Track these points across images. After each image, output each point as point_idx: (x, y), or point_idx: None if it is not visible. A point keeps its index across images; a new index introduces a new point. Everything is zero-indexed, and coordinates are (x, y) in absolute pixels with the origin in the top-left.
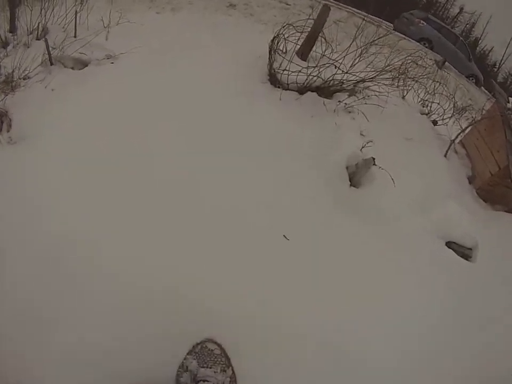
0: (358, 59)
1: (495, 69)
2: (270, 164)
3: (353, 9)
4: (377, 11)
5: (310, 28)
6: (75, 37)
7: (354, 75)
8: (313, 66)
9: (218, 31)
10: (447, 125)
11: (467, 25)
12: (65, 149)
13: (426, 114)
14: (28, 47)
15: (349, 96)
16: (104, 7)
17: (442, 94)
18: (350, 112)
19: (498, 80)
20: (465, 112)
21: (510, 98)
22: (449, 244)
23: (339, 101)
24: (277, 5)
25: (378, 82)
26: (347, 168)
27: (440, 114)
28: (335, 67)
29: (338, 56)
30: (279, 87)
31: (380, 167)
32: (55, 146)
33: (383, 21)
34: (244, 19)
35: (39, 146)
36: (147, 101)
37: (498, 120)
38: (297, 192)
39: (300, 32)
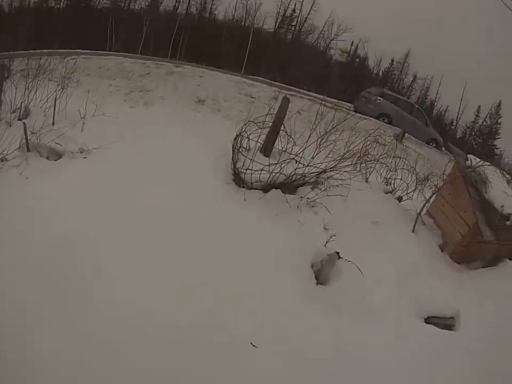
0: (318, 150)
1: (453, 126)
2: (234, 265)
3: (314, 94)
4: (339, 93)
5: (271, 123)
6: (53, 124)
7: (315, 167)
8: (274, 164)
9: (188, 127)
10: (412, 198)
11: (422, 91)
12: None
13: (391, 192)
14: (10, 126)
15: (312, 189)
16: (82, 96)
17: (403, 168)
18: (313, 206)
19: (457, 136)
20: (427, 182)
21: (468, 155)
22: (428, 320)
23: (301, 197)
24: (243, 99)
25: (339, 171)
26: (312, 266)
27: (404, 189)
28: (296, 162)
29: (298, 150)
30: (243, 187)
31: (346, 260)
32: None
33: (343, 102)
34: (212, 114)
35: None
36: (116, 200)
37: (460, 182)
38: (262, 295)
39: (261, 128)
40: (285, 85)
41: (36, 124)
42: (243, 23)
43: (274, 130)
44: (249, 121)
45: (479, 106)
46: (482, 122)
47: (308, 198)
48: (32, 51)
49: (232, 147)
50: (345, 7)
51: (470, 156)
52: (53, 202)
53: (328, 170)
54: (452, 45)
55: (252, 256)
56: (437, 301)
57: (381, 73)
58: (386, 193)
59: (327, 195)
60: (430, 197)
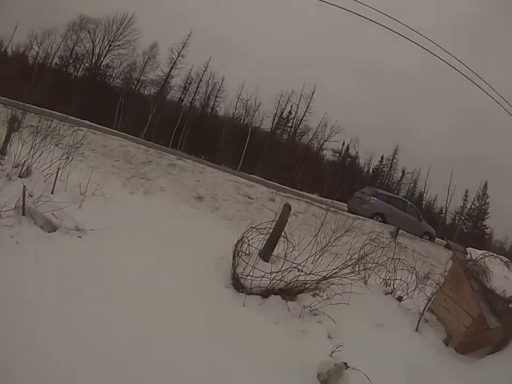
0: (319, 256)
1: (442, 214)
2: (234, 377)
3: (311, 196)
4: (331, 191)
5: (272, 229)
6: (52, 193)
7: (316, 274)
8: (275, 272)
9: (187, 225)
10: (412, 297)
11: (411, 184)
12: None
13: (391, 293)
14: (9, 180)
15: (313, 295)
16: (85, 170)
17: (403, 269)
18: (315, 314)
19: (447, 223)
20: (428, 280)
21: (467, 249)
22: None
23: (303, 306)
24: (241, 199)
25: (340, 277)
26: (318, 376)
27: (404, 289)
28: (298, 270)
29: (298, 255)
30: (242, 292)
31: (353, 368)
32: None
33: (337, 202)
34: (210, 213)
35: None
36: (106, 294)
37: (462, 276)
38: None
39: (263, 234)
40: (281, 185)
41: (36, 188)
42: (242, 121)
43: (275, 237)
44: (251, 227)
45: (467, 190)
46: (471, 206)
47: (310, 307)
48: (47, 110)
49: (233, 252)
50: (338, 109)
51: (469, 249)
52: (40, 276)
53: (329, 277)
54: (437, 137)
55: (252, 368)
56: None
57: (371, 170)
58: (386, 294)
59: (330, 304)
60: (433, 295)
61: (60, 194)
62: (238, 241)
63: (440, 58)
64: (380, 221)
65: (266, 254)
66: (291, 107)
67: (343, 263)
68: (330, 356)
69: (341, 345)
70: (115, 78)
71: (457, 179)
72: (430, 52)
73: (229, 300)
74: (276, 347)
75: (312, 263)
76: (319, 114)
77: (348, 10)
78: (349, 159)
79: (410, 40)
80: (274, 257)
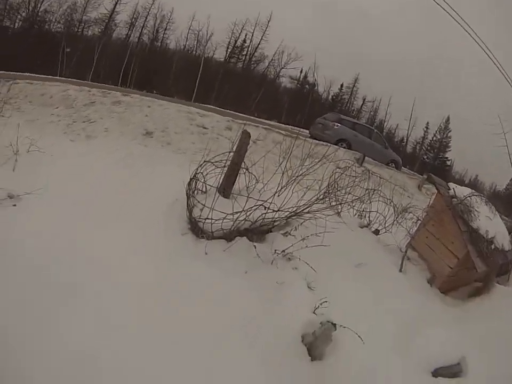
0: (285, 189)
1: (403, 143)
2: (198, 344)
3: (269, 122)
4: (289, 118)
5: (230, 161)
6: None
7: (286, 211)
8: (239, 212)
9: (134, 165)
10: (391, 231)
11: (371, 112)
12: None
13: (367, 226)
14: None
15: (285, 234)
16: (21, 125)
17: (379, 200)
18: (289, 259)
19: (408, 151)
20: (407, 213)
21: (449, 184)
22: (436, 372)
23: (275, 250)
24: (195, 130)
25: (312, 212)
26: (302, 339)
27: (381, 222)
28: (264, 208)
29: (262, 189)
30: (203, 237)
31: (342, 326)
32: None
33: (297, 128)
34: (161, 149)
35: None
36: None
37: (446, 213)
38: None
39: (219, 167)
40: (238, 113)
41: None
42: (194, 52)
43: (234, 169)
44: (205, 161)
45: (427, 122)
46: (433, 138)
47: (283, 251)
48: None
49: (186, 192)
50: (295, 37)
51: (452, 185)
52: None
53: (300, 212)
54: (398, 67)
55: (222, 330)
56: (440, 350)
57: (330, 98)
58: (362, 227)
59: (306, 246)
60: (416, 232)
61: None
62: (191, 178)
63: None
64: (344, 148)
65: (226, 190)
66: (245, 35)
67: (314, 196)
68: (314, 312)
69: (325, 300)
70: (55, 23)
71: (418, 112)
72: None
73: (188, 250)
74: (249, 304)
75: (278, 196)
76: (275, 43)
77: None
78: (307, 86)
79: None
80: (235, 194)
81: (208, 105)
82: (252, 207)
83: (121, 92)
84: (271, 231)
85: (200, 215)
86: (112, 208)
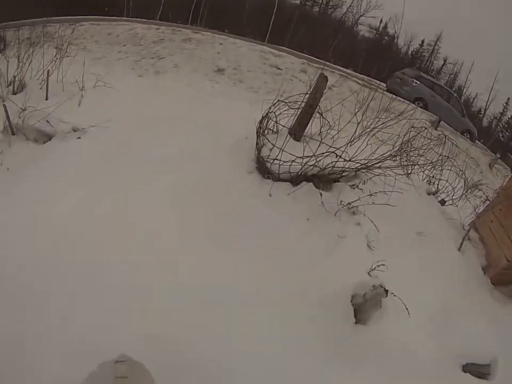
0: (359, 140)
1: (480, 115)
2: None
3: (345, 70)
4: (366, 69)
5: (304, 103)
6: (46, 99)
7: (357, 162)
8: (309, 156)
9: (204, 100)
10: (457, 205)
11: (451, 75)
12: None
13: (434, 194)
14: (3, 101)
15: (352, 187)
16: (88, 64)
17: (450, 169)
18: (354, 213)
19: (483, 125)
20: (476, 190)
21: None
22: (465, 367)
23: (341, 201)
24: (268, 70)
25: (383, 168)
26: (352, 299)
27: (449, 192)
28: (336, 156)
29: (335, 136)
30: (268, 178)
31: (393, 294)
32: None
33: (373, 80)
34: (233, 87)
35: None
36: (115, 194)
37: None
38: (286, 338)
39: (293, 108)
40: (313, 57)
41: (31, 99)
42: None
43: (308, 112)
44: (278, 100)
45: (508, 99)
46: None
47: (349, 204)
48: (38, 19)
49: (257, 130)
50: None
51: None
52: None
53: (371, 166)
54: (485, 33)
55: (274, 275)
56: (474, 345)
57: (410, 53)
58: (429, 194)
59: (373, 202)
60: (482, 213)
61: (57, 96)
62: (263, 117)
63: None
64: (421, 108)
65: (297, 132)
66: None
67: (387, 152)
68: (368, 273)
69: (383, 264)
70: None
71: (500, 85)
72: None
73: (253, 189)
74: (306, 253)
75: (351, 146)
76: None
77: None
78: (386, 37)
79: None
80: (307, 137)
81: (282, 47)
82: (323, 153)
83: (192, 29)
84: (338, 181)
85: (269, 155)
86: (180, 141)
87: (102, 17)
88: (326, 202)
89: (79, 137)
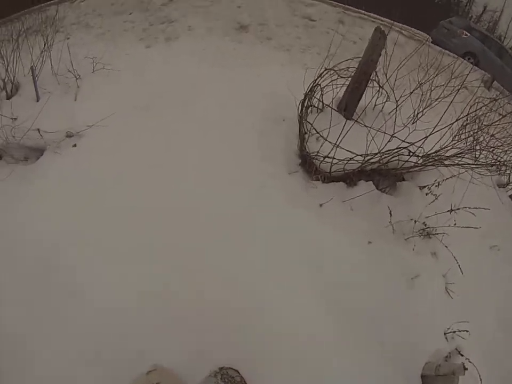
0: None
1: None
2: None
3: (382, 18)
4: (404, 18)
5: (357, 69)
6: (37, 100)
7: (431, 158)
8: (373, 154)
9: (226, 66)
10: None
11: (490, 23)
12: None
13: (504, 186)
14: None
15: (422, 188)
16: (90, 42)
17: None
18: (429, 236)
19: None
20: None
21: None
22: None
23: (415, 222)
24: (300, 22)
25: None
26: (422, 375)
27: None
28: (409, 152)
29: (393, 111)
30: (317, 179)
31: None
32: None
33: (416, 30)
34: (260, 46)
35: None
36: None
37: None
38: None
39: (344, 77)
40: (349, 6)
41: (21, 104)
42: None
43: (362, 82)
44: (326, 69)
45: None
46: None
47: (424, 224)
48: (43, 4)
49: (299, 115)
50: None
51: None
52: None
53: (441, 158)
54: None
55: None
56: None
57: None
58: (499, 186)
59: (454, 223)
60: None
61: (51, 94)
62: (305, 95)
63: None
64: (471, 63)
65: (348, 107)
66: None
67: (453, 134)
68: (445, 334)
69: (466, 321)
70: None
71: None
72: None
73: (297, 196)
74: (369, 302)
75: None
76: None
77: None
78: None
79: None
80: (358, 111)
81: None
82: (389, 151)
83: None
84: (403, 179)
85: (318, 152)
86: (200, 126)
87: None
88: (394, 223)
89: (75, 145)
